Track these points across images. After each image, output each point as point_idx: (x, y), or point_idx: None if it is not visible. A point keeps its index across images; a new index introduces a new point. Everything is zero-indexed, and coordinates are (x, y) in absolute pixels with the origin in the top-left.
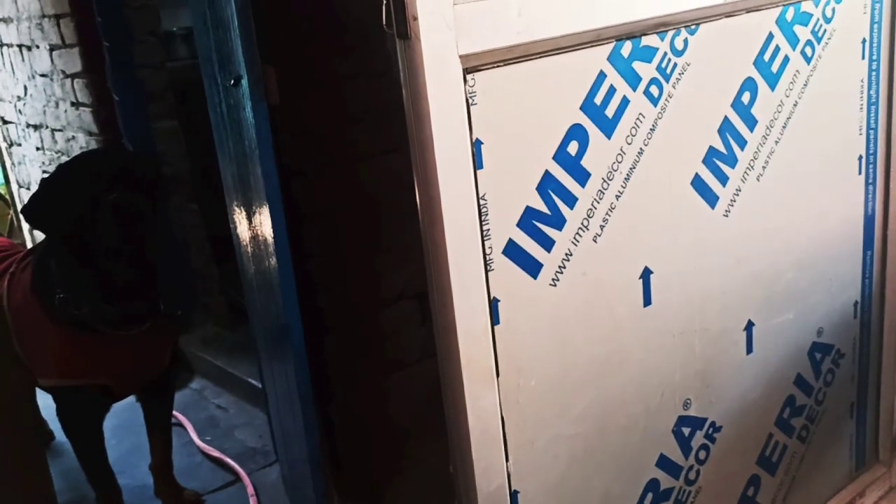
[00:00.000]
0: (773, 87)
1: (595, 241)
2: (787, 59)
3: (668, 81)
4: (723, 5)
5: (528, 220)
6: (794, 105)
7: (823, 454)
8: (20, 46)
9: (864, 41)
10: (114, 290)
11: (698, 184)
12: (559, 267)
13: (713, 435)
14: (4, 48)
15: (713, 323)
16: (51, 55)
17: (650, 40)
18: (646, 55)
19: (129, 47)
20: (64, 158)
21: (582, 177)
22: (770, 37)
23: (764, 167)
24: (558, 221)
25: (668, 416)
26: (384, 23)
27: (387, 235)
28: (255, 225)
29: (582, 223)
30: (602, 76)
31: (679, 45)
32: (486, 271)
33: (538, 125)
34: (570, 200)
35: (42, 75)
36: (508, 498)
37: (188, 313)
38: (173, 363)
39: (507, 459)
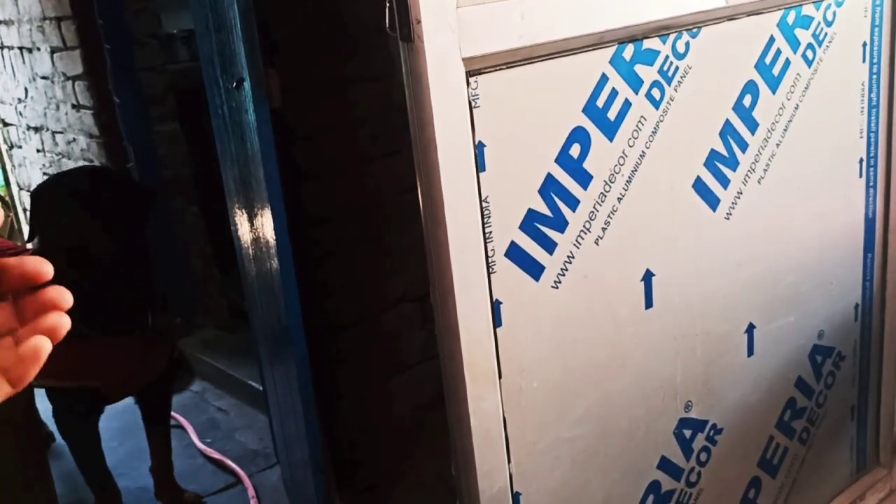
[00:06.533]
0: (774, 90)
1: (597, 243)
2: (788, 62)
3: (669, 84)
4: (724, 9)
5: (531, 222)
6: (796, 108)
7: (824, 457)
8: (21, 49)
9: (864, 44)
10: (97, 301)
11: (700, 186)
12: (561, 269)
13: (714, 437)
14: (5, 50)
15: (714, 325)
16: (52, 57)
17: (652, 43)
18: (647, 58)
19: (130, 50)
20: (65, 161)
21: (584, 179)
22: (771, 40)
23: (765, 170)
24: (560, 224)
25: (669, 418)
26: (387, 26)
27: (388, 238)
28: (256, 227)
29: (584, 226)
30: (604, 79)
31: (681, 48)
32: (489, 273)
33: (540, 128)
34: (573, 203)
35: (43, 77)
36: (510, 500)
37: (184, 320)
38: (171, 367)
39: (508, 461)
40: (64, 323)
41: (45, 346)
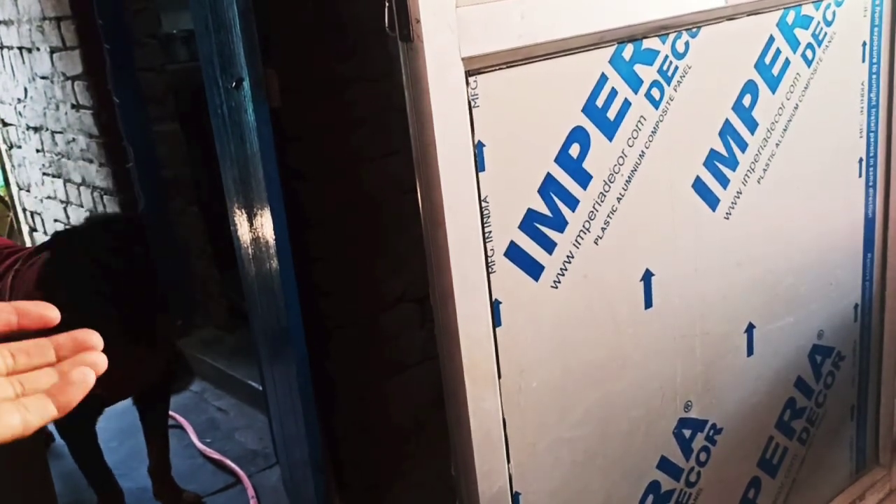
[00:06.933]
0: (773, 89)
1: (596, 243)
2: (787, 62)
3: (669, 84)
4: (724, 8)
5: (530, 222)
6: (795, 108)
7: (824, 457)
8: (21, 48)
9: (864, 44)
10: (101, 309)
11: (699, 186)
12: (560, 269)
13: (714, 437)
14: (5, 50)
15: (714, 325)
16: (51, 57)
17: (651, 43)
18: (647, 58)
19: (130, 50)
20: (64, 160)
21: (583, 179)
22: (771, 40)
23: (765, 170)
24: (560, 224)
25: (668, 418)
26: (387, 25)
27: (387, 238)
28: (256, 228)
29: (583, 225)
30: (604, 79)
31: (680, 47)
32: (488, 273)
33: (540, 127)
34: (572, 203)
35: (42, 77)
36: (510, 500)
37: (185, 321)
38: (170, 367)
39: (508, 462)
40: (102, 362)
41: (91, 377)
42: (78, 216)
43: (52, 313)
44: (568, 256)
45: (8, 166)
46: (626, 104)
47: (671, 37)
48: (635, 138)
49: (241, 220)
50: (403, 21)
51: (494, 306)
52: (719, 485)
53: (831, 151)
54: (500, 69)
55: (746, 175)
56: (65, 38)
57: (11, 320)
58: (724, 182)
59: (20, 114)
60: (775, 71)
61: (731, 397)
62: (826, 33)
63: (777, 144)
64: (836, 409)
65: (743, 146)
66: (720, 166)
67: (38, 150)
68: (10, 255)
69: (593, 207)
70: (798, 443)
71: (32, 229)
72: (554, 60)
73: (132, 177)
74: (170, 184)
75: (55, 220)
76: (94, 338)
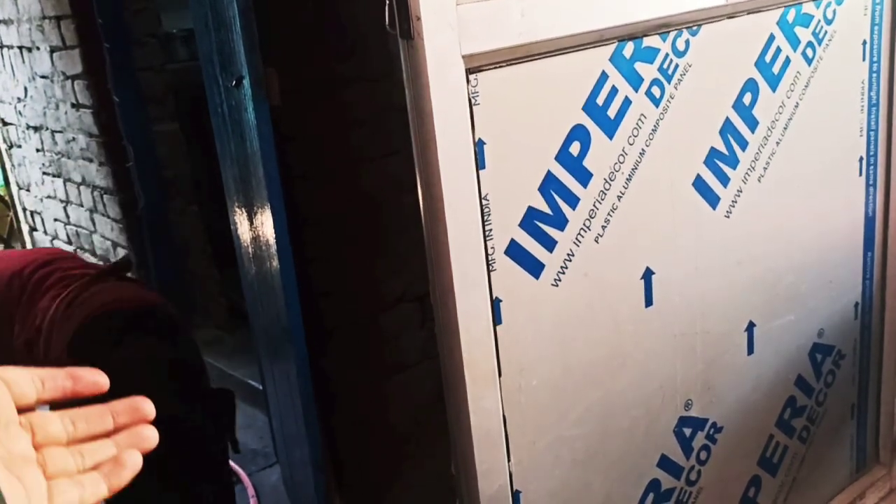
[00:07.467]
0: (774, 88)
1: (597, 241)
2: (788, 60)
3: (669, 82)
4: (724, 6)
5: (530, 220)
6: (795, 106)
7: (824, 455)
8: (21, 48)
9: (864, 43)
10: None
11: (700, 184)
12: (561, 267)
13: (714, 436)
14: (5, 49)
15: (714, 324)
16: (51, 57)
17: (652, 41)
18: (647, 56)
19: (130, 49)
20: (64, 160)
21: (584, 177)
22: (771, 38)
23: (765, 168)
24: (560, 222)
25: (669, 416)
26: (387, 23)
27: (387, 238)
28: (256, 227)
29: (584, 223)
30: (604, 77)
31: (681, 45)
32: (489, 271)
33: (540, 125)
34: (572, 201)
35: (42, 77)
36: (510, 499)
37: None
38: None
39: (508, 460)
40: (154, 437)
41: (140, 461)
42: (78, 216)
43: (103, 380)
44: (568, 255)
45: (8, 166)
46: (627, 102)
47: (672, 35)
48: (636, 136)
49: (241, 219)
50: (404, 18)
51: (495, 304)
52: (720, 483)
53: (831, 150)
54: (500, 67)
55: (747, 173)
56: (65, 37)
57: (67, 385)
58: (724, 180)
59: (20, 113)
60: (776, 69)
61: (731, 396)
62: (826, 32)
63: (777, 143)
64: (836, 407)
65: (743, 144)
66: (721, 165)
67: (38, 150)
68: (65, 276)
69: (594, 206)
70: (798, 441)
71: (32, 229)
72: (554, 58)
73: (132, 176)
74: (170, 183)
75: (55, 220)
76: (149, 407)
